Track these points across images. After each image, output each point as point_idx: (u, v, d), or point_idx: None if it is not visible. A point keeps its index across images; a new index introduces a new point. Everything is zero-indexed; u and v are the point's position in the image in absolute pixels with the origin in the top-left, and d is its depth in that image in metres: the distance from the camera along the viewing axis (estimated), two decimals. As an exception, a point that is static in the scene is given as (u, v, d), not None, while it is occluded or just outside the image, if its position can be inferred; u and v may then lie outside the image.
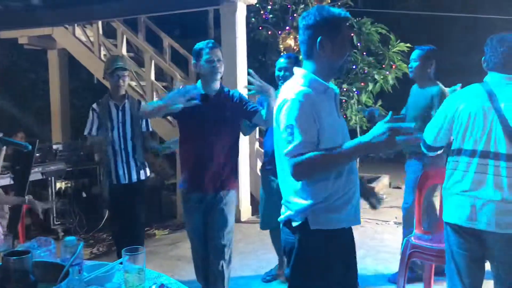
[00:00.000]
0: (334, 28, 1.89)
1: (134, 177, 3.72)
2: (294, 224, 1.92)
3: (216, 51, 2.99)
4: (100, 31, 7.40)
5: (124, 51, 7.29)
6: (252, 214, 6.08)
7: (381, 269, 4.19)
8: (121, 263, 1.68)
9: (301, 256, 1.92)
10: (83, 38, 7.60)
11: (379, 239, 5.01)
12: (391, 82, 7.20)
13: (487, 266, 2.43)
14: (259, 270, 4.12)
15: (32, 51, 8.92)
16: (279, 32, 7.58)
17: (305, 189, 1.88)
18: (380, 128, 1.71)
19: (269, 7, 7.72)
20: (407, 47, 6.84)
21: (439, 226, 3.46)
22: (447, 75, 3.96)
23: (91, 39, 7.49)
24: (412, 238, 3.30)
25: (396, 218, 5.68)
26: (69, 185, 5.73)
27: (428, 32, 9.05)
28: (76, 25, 7.46)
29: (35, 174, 5.08)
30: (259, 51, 8.21)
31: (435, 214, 3.72)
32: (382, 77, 7.13)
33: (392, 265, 3.88)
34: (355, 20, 7.14)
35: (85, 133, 3.79)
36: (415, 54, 3.79)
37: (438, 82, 3.76)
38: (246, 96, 3.19)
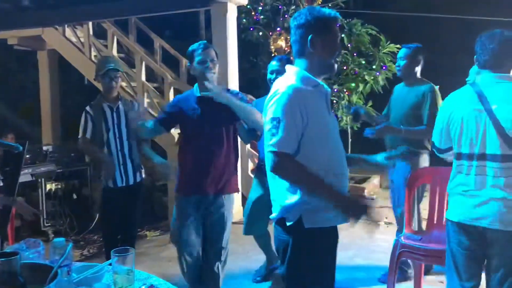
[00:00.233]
0: (324, 27, 1.98)
1: (131, 180, 3.67)
2: (288, 223, 1.95)
3: (208, 51, 2.99)
4: (91, 32, 7.36)
5: (114, 52, 7.26)
6: (244, 215, 6.07)
7: (372, 269, 4.21)
8: (110, 264, 1.68)
9: (296, 255, 1.96)
10: (73, 39, 7.55)
11: (370, 239, 5.03)
12: (381, 83, 7.25)
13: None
14: (251, 271, 4.12)
15: (21, 52, 8.86)
16: (270, 33, 7.59)
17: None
18: (362, 207, 1.86)
19: (260, 8, 7.73)
20: (397, 48, 6.88)
21: (428, 225, 3.50)
22: (438, 75, 3.99)
23: (82, 39, 7.45)
24: (402, 238, 3.32)
25: (386, 218, 5.70)
26: (59, 186, 5.69)
27: (418, 33, 9.09)
28: (66, 25, 7.42)
29: (25, 176, 5.05)
30: (250, 52, 8.22)
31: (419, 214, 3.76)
32: (372, 78, 7.17)
33: (383, 265, 3.89)
34: (345, 21, 7.17)
35: (79, 135, 3.66)
36: (402, 52, 3.84)
37: (428, 81, 3.79)
38: (246, 96, 3.18)
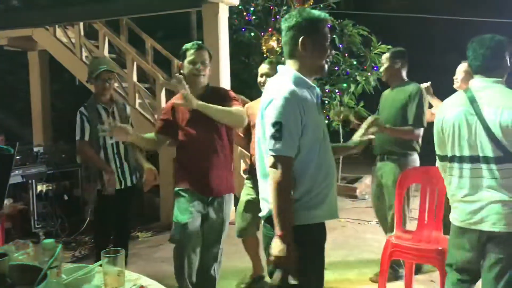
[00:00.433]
0: (315, 28, 2.02)
1: (128, 182, 3.65)
2: None
3: (201, 53, 2.98)
4: (82, 32, 7.33)
5: (106, 52, 7.23)
6: (236, 216, 6.06)
7: (363, 268, 4.23)
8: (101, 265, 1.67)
9: None
10: (64, 39, 7.51)
11: (362, 239, 5.05)
12: (372, 83, 7.28)
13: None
14: (243, 271, 4.12)
15: (12, 52, 8.79)
16: (262, 33, 7.60)
17: None
18: (289, 259, 1.85)
19: (252, 8, 7.74)
20: (388, 48, 6.93)
21: (419, 225, 3.52)
22: (428, 74, 4.04)
23: (73, 40, 7.41)
24: (393, 237, 3.34)
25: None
26: (50, 187, 5.65)
27: (409, 33, 9.17)
28: (57, 26, 7.38)
29: (15, 177, 5.02)
30: (242, 53, 8.22)
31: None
32: (364, 78, 7.20)
33: (374, 265, 3.91)
34: (337, 22, 7.20)
35: (77, 138, 3.55)
36: (383, 57, 3.97)
37: (414, 82, 3.84)
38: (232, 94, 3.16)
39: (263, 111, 2.00)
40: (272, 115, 1.92)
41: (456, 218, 2.43)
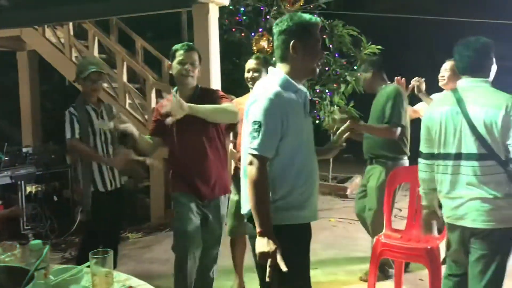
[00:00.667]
0: (306, 32, 2.05)
1: (118, 183, 3.64)
2: None
3: (191, 54, 2.96)
4: (71, 32, 7.29)
5: (95, 52, 7.19)
6: (227, 216, 6.07)
7: (353, 268, 4.24)
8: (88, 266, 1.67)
9: None
10: (54, 40, 7.46)
11: (352, 238, 5.07)
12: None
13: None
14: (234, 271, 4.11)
15: (0, 52, 8.72)
16: (252, 34, 7.60)
17: None
18: (272, 254, 1.87)
19: (242, 9, 7.74)
20: (378, 49, 6.98)
21: (408, 224, 3.55)
22: (416, 73, 4.08)
23: (62, 40, 7.37)
24: (382, 236, 3.36)
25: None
26: (39, 188, 5.62)
27: (398, 34, 9.23)
28: (46, 26, 7.33)
29: (4, 178, 4.98)
30: (232, 53, 8.21)
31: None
32: (354, 78, 7.23)
33: (364, 264, 3.93)
34: (327, 23, 7.22)
35: (68, 136, 3.46)
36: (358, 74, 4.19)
37: (393, 83, 3.91)
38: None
39: (248, 110, 2.05)
40: (254, 114, 1.97)
41: (443, 214, 2.51)
